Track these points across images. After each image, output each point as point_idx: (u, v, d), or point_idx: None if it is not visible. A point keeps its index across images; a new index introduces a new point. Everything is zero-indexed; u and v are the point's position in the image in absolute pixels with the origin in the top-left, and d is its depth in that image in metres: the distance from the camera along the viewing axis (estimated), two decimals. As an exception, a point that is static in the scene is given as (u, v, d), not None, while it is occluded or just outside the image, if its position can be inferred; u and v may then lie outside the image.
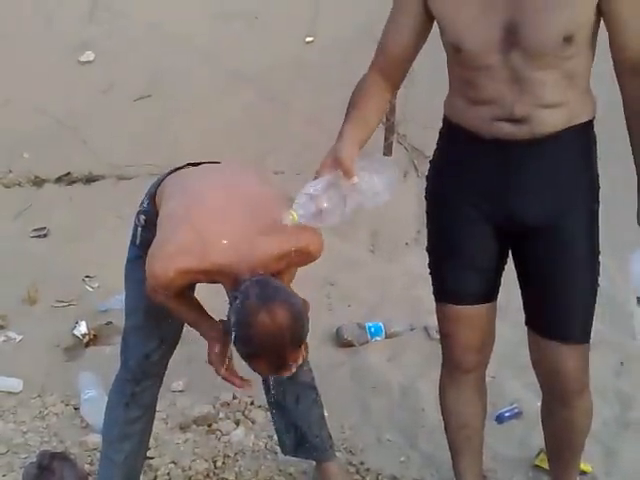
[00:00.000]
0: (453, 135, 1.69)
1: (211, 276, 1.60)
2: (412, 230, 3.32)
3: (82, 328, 2.92)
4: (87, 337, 2.90)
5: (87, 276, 3.30)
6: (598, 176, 1.66)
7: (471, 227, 1.68)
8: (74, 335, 2.91)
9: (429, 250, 1.80)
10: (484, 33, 1.50)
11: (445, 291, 1.76)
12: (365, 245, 3.35)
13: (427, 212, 1.80)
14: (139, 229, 1.85)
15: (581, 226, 1.64)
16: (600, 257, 1.66)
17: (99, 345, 2.87)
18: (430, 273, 1.80)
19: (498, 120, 1.55)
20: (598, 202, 1.66)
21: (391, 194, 1.48)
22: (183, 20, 4.59)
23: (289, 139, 3.96)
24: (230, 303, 1.57)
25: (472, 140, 1.61)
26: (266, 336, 1.45)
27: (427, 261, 1.79)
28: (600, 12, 1.48)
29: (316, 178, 1.45)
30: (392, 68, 1.64)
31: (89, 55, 4.64)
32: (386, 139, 3.52)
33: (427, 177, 1.80)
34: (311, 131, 3.92)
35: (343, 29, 4.32)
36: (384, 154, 3.57)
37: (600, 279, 1.66)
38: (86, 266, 3.33)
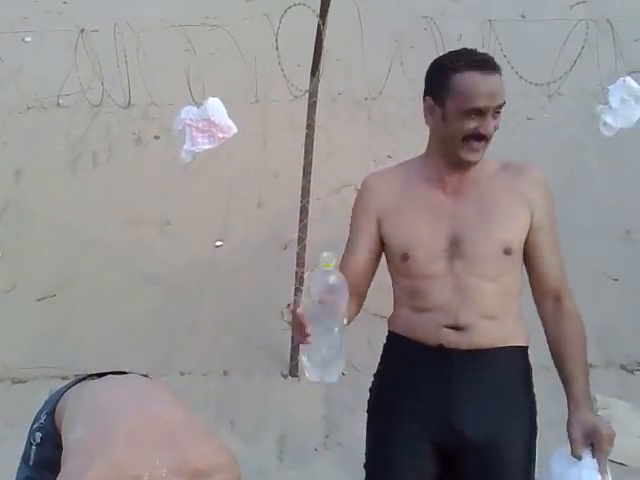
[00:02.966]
0: (396, 346, 1.75)
1: None
2: (321, 434, 3.26)
3: None
4: None
5: (-35, 493, 2.98)
6: (535, 402, 1.71)
7: (409, 444, 1.66)
8: None
9: (365, 466, 1.76)
10: (430, 242, 1.65)
11: None
12: (272, 451, 3.24)
13: (367, 426, 1.78)
14: (33, 447, 1.72)
15: (519, 452, 1.64)
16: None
17: None
18: None
19: (443, 327, 1.63)
20: (536, 428, 1.69)
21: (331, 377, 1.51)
22: (94, 223, 4.69)
23: (196, 340, 3.94)
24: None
25: (416, 350, 1.67)
26: None
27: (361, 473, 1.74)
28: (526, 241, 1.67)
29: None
30: (357, 283, 1.70)
31: (-6, 255, 4.60)
32: (292, 358, 3.58)
33: (370, 390, 1.81)
34: (218, 331, 3.94)
35: (250, 235, 4.53)
36: (290, 374, 3.61)
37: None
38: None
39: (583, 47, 3.15)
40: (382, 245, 1.75)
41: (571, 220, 4.16)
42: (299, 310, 1.43)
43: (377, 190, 1.77)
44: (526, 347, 1.73)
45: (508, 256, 1.63)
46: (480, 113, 1.58)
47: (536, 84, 3.31)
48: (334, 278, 1.42)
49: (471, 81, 1.57)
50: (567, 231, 4.18)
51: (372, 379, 1.83)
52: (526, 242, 1.68)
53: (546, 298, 1.70)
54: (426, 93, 1.69)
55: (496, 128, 1.63)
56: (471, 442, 1.61)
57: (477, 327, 1.62)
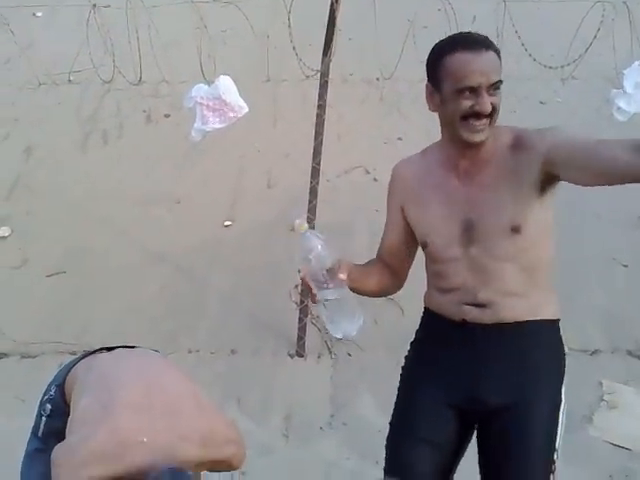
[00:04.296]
0: (429, 320, 1.87)
1: (122, 478, 1.50)
2: (326, 414, 3.28)
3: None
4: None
5: (-25, 467, 3.02)
6: (564, 374, 1.75)
7: (434, 407, 1.76)
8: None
9: (391, 423, 1.86)
10: (446, 230, 1.72)
11: (398, 465, 1.77)
12: (279, 430, 3.27)
13: (398, 388, 1.89)
14: (43, 419, 1.75)
15: (542, 418, 1.68)
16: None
17: None
18: (386, 446, 1.83)
19: (464, 304, 1.72)
20: (561, 400, 1.72)
21: (348, 330, 1.64)
22: (104, 201, 4.70)
23: (204, 318, 3.96)
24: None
25: (444, 324, 1.78)
26: None
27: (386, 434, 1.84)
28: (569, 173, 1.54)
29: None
30: (388, 261, 1.90)
31: (5, 230, 4.63)
32: (299, 338, 3.60)
33: (405, 357, 1.93)
34: (226, 311, 3.96)
35: (260, 216, 4.54)
36: (297, 353, 3.63)
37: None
38: (-24, 453, 3.06)
39: (599, 29, 3.11)
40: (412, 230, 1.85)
41: (582, 206, 4.14)
42: (301, 274, 1.59)
43: (401, 178, 1.85)
44: (555, 320, 1.77)
45: (518, 235, 1.64)
46: (474, 91, 1.60)
47: (550, 67, 3.27)
48: (308, 238, 1.60)
49: (461, 60, 1.61)
50: (577, 216, 4.18)
51: (406, 354, 1.95)
52: (571, 168, 1.55)
53: (632, 165, 1.40)
54: (427, 80, 1.73)
55: (495, 106, 1.62)
56: (494, 410, 1.69)
57: (497, 303, 1.69)
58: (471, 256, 1.69)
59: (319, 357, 3.64)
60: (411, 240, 1.86)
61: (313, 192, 3.53)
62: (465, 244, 1.69)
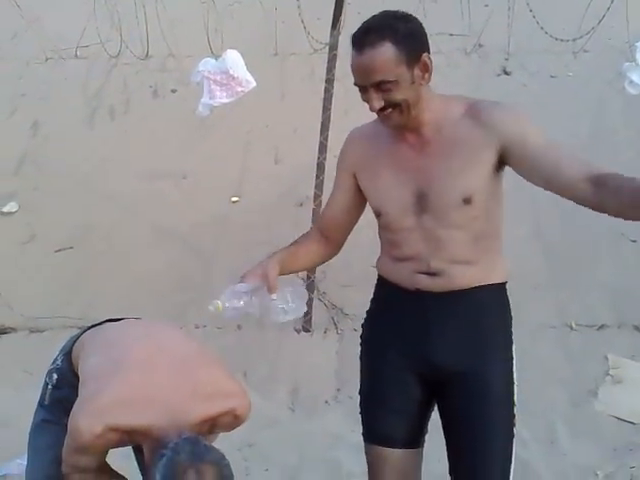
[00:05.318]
0: (383, 288, 1.88)
1: (135, 437, 1.52)
2: (332, 388, 3.31)
3: (-26, 496, 2.67)
4: (-22, 505, 2.65)
5: (-14, 436, 3.07)
6: (512, 333, 1.79)
7: (396, 374, 1.81)
8: (-36, 503, 2.66)
9: (360, 392, 1.91)
10: (399, 199, 1.72)
11: (371, 432, 1.86)
12: (285, 403, 3.29)
13: (360, 358, 1.92)
14: (49, 388, 1.77)
15: (497, 378, 1.74)
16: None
17: (-8, 515, 2.62)
18: (360, 413, 1.89)
19: (417, 273, 1.73)
20: (512, 358, 1.78)
21: (294, 316, 1.69)
22: (110, 177, 4.70)
23: (211, 293, 3.96)
24: (142, 471, 1.49)
25: (397, 292, 1.79)
26: None
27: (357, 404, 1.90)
28: (523, 171, 1.60)
29: (241, 281, 1.69)
30: (328, 230, 1.90)
31: (12, 206, 4.64)
32: (305, 314, 3.60)
33: (362, 325, 1.96)
34: (234, 286, 3.96)
35: (267, 192, 4.52)
36: (303, 329, 3.65)
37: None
38: (-14, 426, 3.10)
39: (612, 1, 3.06)
40: (362, 196, 1.84)
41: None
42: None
43: (355, 144, 1.85)
44: (502, 283, 1.79)
45: (469, 205, 1.66)
46: (364, 89, 1.63)
47: (561, 40, 3.23)
48: (229, 309, 1.68)
49: (351, 57, 1.64)
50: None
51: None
52: (521, 169, 1.61)
53: (586, 193, 1.49)
54: None
55: (390, 101, 1.60)
56: (451, 373, 1.74)
57: (449, 272, 1.71)
58: (424, 226, 1.70)
59: (325, 332, 3.65)
60: (355, 209, 1.87)
61: (320, 167, 3.52)
62: (418, 213, 1.70)
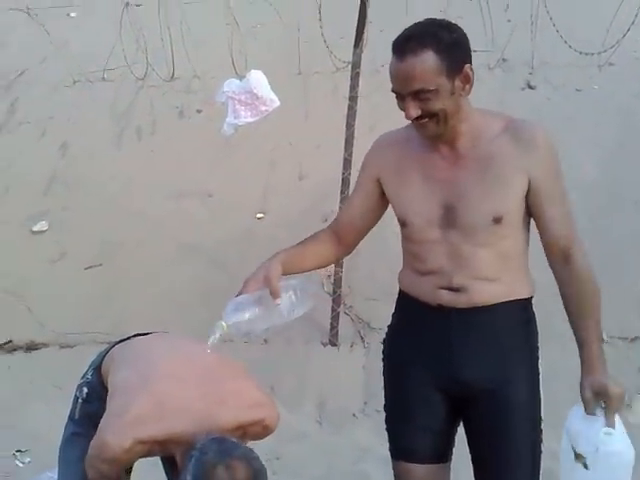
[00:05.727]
0: (405, 303, 1.84)
1: (166, 446, 1.54)
2: (359, 401, 3.30)
3: (7, 508, 2.70)
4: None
5: (18, 450, 3.11)
6: (538, 349, 1.77)
7: (420, 391, 1.77)
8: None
9: (385, 408, 1.88)
10: (426, 211, 1.69)
11: (398, 448, 1.83)
12: (312, 416, 3.29)
13: (383, 374, 1.89)
14: (79, 402, 1.79)
15: (522, 395, 1.71)
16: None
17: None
18: (386, 429, 1.87)
19: (440, 288, 1.70)
20: (538, 373, 1.75)
21: (301, 313, 1.63)
22: (137, 196, 4.77)
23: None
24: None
25: (420, 307, 1.75)
26: None
27: (383, 420, 1.88)
28: (528, 205, 1.65)
29: (242, 292, 1.63)
30: (343, 232, 1.86)
31: (43, 225, 4.73)
32: (332, 327, 3.62)
33: (384, 341, 1.92)
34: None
35: (291, 208, 4.56)
36: (330, 342, 3.65)
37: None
38: (18, 439, 3.15)
39: (637, 15, 3.06)
40: (383, 202, 1.82)
41: (619, 192, 4.08)
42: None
43: (382, 149, 1.82)
44: (527, 298, 1.76)
45: (498, 225, 1.63)
46: (401, 96, 1.61)
47: (586, 54, 3.23)
48: (237, 325, 1.59)
49: (391, 64, 1.62)
50: (614, 203, 4.13)
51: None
52: (528, 206, 1.66)
53: (555, 261, 1.66)
54: None
55: (428, 111, 1.58)
56: (476, 390, 1.71)
57: (472, 288, 1.68)
58: (449, 240, 1.67)
59: (352, 346, 3.65)
60: (374, 214, 1.84)
61: (345, 183, 3.55)
62: (444, 227, 1.67)
